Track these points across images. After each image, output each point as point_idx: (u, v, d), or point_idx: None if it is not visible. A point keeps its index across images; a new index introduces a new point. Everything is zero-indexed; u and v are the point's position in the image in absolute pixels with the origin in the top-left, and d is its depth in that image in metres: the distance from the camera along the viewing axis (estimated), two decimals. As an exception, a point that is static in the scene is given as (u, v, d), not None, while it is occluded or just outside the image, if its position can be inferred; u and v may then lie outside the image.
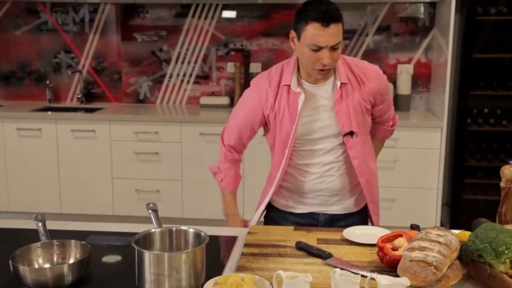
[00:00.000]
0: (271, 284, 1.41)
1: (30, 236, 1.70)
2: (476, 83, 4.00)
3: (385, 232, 1.78)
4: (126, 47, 4.61)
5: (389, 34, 4.37)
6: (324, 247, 1.72)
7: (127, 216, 4.13)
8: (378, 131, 2.20)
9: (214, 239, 1.61)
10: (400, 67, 4.32)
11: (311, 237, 1.81)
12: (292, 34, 1.90)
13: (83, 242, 1.62)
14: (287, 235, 1.84)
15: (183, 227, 1.61)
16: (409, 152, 3.93)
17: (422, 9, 4.31)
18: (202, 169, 4.09)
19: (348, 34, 4.38)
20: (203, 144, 4.04)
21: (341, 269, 1.50)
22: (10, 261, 1.49)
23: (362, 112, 1.99)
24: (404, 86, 4.28)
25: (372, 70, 2.03)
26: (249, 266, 1.60)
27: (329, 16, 1.81)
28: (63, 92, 4.74)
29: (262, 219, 2.21)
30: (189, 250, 1.51)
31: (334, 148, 2.00)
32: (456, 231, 1.64)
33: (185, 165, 4.12)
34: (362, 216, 2.14)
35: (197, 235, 1.58)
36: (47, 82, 4.66)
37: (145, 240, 1.56)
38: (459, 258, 1.51)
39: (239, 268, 1.59)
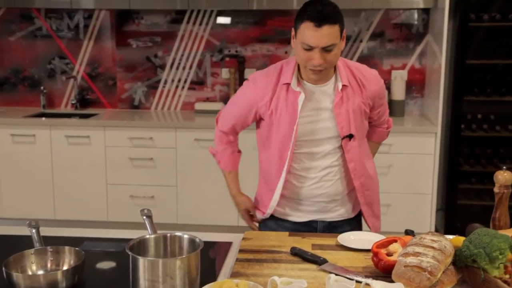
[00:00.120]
0: (266, 290, 1.41)
1: (23, 242, 1.69)
2: (470, 88, 4.02)
3: (380, 237, 1.78)
4: (120, 53, 4.61)
5: (383, 40, 4.39)
6: (319, 252, 1.72)
7: (122, 222, 4.12)
8: (374, 134, 2.21)
9: (208, 245, 1.60)
10: (394, 73, 4.34)
11: (306, 243, 1.81)
12: (292, 32, 1.90)
13: (77, 248, 1.61)
14: (282, 240, 1.84)
15: (178, 233, 1.61)
16: (404, 157, 3.94)
17: (416, 15, 4.33)
18: (197, 174, 4.09)
19: (343, 40, 4.39)
20: (198, 150, 4.04)
21: (336, 274, 1.51)
22: (3, 268, 1.48)
23: (361, 115, 2.00)
24: (398, 91, 4.30)
25: (372, 74, 2.05)
26: (244, 272, 1.60)
27: (323, 17, 1.80)
28: (57, 98, 4.73)
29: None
30: (184, 256, 1.51)
31: (332, 151, 1.99)
32: (451, 237, 1.65)
33: (179, 171, 4.12)
34: (358, 221, 2.14)
35: (192, 241, 1.57)
36: (41, 88, 4.65)
37: (140, 246, 1.55)
38: (454, 263, 1.51)
39: (234, 274, 1.58)
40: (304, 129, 1.96)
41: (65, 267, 1.58)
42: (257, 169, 2.17)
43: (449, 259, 1.48)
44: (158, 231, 1.62)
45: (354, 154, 2.00)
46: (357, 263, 1.66)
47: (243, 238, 1.86)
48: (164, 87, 4.63)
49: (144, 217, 1.64)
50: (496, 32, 3.96)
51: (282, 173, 2.00)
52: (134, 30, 4.56)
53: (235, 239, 1.89)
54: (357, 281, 1.49)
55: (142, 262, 1.44)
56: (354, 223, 2.11)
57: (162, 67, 4.61)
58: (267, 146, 2.05)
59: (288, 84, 1.96)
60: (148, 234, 1.60)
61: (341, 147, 1.99)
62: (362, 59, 4.39)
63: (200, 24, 4.51)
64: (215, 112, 4.40)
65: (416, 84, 4.42)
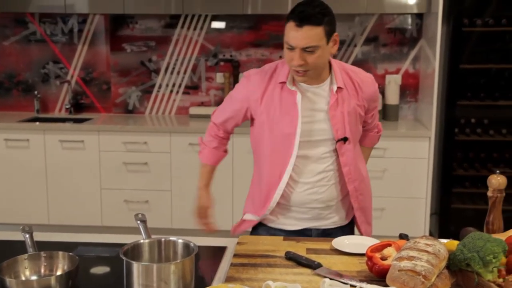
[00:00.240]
0: (261, 294, 1.41)
1: (17, 247, 1.68)
2: (463, 93, 4.04)
3: (374, 241, 1.78)
4: (115, 57, 4.60)
5: (377, 45, 4.41)
6: (314, 257, 1.72)
7: (116, 227, 4.11)
8: (366, 138, 2.21)
9: (203, 249, 1.60)
10: (388, 77, 4.35)
11: (300, 247, 1.81)
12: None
13: (71, 253, 1.61)
14: (277, 245, 1.84)
15: (172, 238, 1.60)
16: (398, 161, 3.95)
17: (409, 20, 4.35)
18: (191, 179, 4.07)
19: (337, 45, 4.41)
20: (192, 154, 4.03)
21: (331, 279, 1.51)
22: (-4, 273, 1.47)
23: (356, 119, 1.99)
24: (393, 96, 4.31)
25: (368, 77, 2.06)
26: (239, 277, 1.59)
27: (304, 17, 1.79)
28: (51, 102, 4.72)
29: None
30: (178, 261, 1.51)
31: (327, 154, 1.97)
32: (445, 240, 1.65)
33: (174, 175, 4.11)
34: (351, 228, 2.13)
35: (186, 245, 1.57)
36: (35, 92, 4.64)
37: (134, 251, 1.55)
38: (448, 267, 1.52)
39: (229, 279, 1.58)
40: (302, 129, 1.94)
41: (58, 273, 1.57)
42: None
43: (443, 263, 1.49)
44: (153, 236, 1.61)
45: (349, 158, 1.99)
46: (352, 267, 1.66)
47: (238, 243, 1.86)
48: (158, 91, 4.63)
49: (139, 221, 1.64)
50: (489, 36, 3.98)
51: (285, 174, 1.96)
52: (129, 34, 4.56)
53: (230, 243, 1.88)
54: (352, 285, 1.48)
55: (136, 267, 1.43)
56: (347, 230, 2.09)
57: (157, 71, 4.61)
58: (262, 146, 2.02)
59: (284, 83, 1.95)
60: (143, 239, 1.59)
61: (335, 150, 1.98)
62: (357, 64, 4.39)
63: (195, 28, 4.51)
64: (209, 116, 4.34)
65: (410, 88, 4.43)
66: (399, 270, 1.44)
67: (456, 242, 1.58)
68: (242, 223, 2.16)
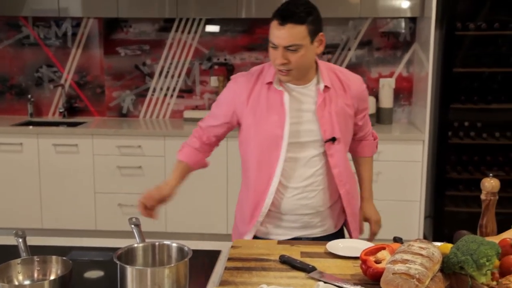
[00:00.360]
0: (255, 298, 1.41)
1: (10, 252, 1.67)
2: (457, 96, 4.05)
3: (368, 245, 1.79)
4: (109, 61, 4.60)
5: (371, 49, 4.43)
6: (308, 260, 1.72)
7: (110, 231, 4.09)
8: (365, 147, 2.18)
9: (197, 253, 1.60)
10: (382, 80, 4.37)
11: (294, 251, 1.81)
12: None
13: (64, 258, 1.60)
14: (271, 248, 1.84)
15: (166, 242, 1.60)
16: (392, 165, 3.95)
17: (403, 24, 4.37)
18: (185, 183, 4.07)
19: (331, 49, 4.43)
20: (186, 158, 4.02)
21: (325, 282, 1.51)
22: (-11, 278, 1.46)
23: (345, 118, 1.96)
24: (386, 99, 4.33)
25: (355, 76, 2.04)
26: (233, 280, 1.59)
27: (286, 15, 1.78)
28: (45, 106, 4.71)
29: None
30: (172, 265, 1.50)
31: (316, 157, 1.94)
32: (438, 244, 1.65)
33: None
34: (341, 236, 2.10)
35: (180, 249, 1.56)
36: (29, 96, 4.62)
37: (128, 255, 1.54)
38: (441, 270, 1.52)
39: (223, 283, 1.58)
40: (290, 130, 1.91)
41: (52, 277, 1.56)
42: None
43: (437, 266, 1.49)
44: (147, 240, 1.61)
45: (339, 159, 1.95)
46: (346, 271, 1.66)
47: (232, 246, 1.86)
48: (152, 95, 4.63)
49: (133, 225, 1.63)
50: (482, 40, 4.00)
51: (274, 178, 1.93)
52: (123, 38, 4.55)
53: (224, 247, 1.88)
54: (346, 289, 1.49)
55: (130, 271, 1.43)
56: (338, 238, 2.07)
57: (151, 75, 4.60)
58: (249, 150, 1.98)
59: (270, 83, 1.92)
60: (136, 243, 1.59)
61: (324, 154, 1.94)
62: (350, 67, 4.40)
63: (189, 32, 4.51)
64: (204, 120, 4.40)
65: (404, 92, 4.45)
66: (393, 273, 1.44)
67: (449, 245, 1.59)
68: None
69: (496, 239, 1.58)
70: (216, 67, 4.55)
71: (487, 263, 1.43)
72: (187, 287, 1.49)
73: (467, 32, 3.98)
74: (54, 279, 1.50)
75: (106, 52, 4.58)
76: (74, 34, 4.59)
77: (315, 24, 1.83)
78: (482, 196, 1.79)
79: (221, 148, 3.88)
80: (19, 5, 4.25)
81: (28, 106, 4.63)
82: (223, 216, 4.04)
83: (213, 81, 4.54)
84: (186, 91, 4.61)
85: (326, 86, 1.92)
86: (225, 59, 4.53)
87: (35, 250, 1.63)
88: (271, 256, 1.76)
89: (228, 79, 4.45)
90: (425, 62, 3.98)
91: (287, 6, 1.81)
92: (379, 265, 1.55)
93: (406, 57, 4.41)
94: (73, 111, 4.68)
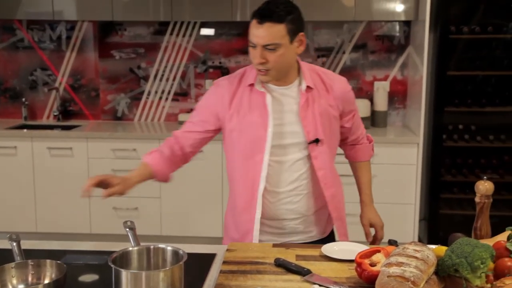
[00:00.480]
0: (250, 301, 1.40)
1: (4, 256, 1.67)
2: (451, 99, 4.07)
3: (363, 247, 1.79)
4: (103, 64, 4.59)
5: (365, 52, 4.44)
6: (303, 263, 1.72)
7: (105, 234, 4.08)
8: (359, 151, 2.15)
9: (192, 256, 1.60)
10: (376, 84, 4.38)
11: (289, 254, 1.81)
12: None
13: (58, 261, 1.59)
14: (266, 252, 1.84)
15: (161, 245, 1.59)
16: (386, 168, 3.96)
17: (397, 27, 4.39)
18: (180, 186, 4.07)
19: (325, 52, 4.44)
20: (181, 161, 4.02)
21: (320, 285, 1.51)
22: (-17, 282, 1.46)
23: (329, 120, 1.93)
24: (381, 102, 4.34)
25: (339, 77, 2.02)
26: (228, 284, 1.59)
27: (265, 14, 1.77)
28: (39, 109, 4.69)
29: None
30: (167, 268, 1.50)
31: (300, 160, 1.91)
32: (433, 246, 1.66)
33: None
34: (331, 241, 2.08)
35: (175, 253, 1.56)
36: (23, 99, 4.61)
37: (123, 259, 1.54)
38: (436, 273, 1.52)
39: (218, 286, 1.58)
40: (273, 131, 1.89)
41: (46, 281, 1.56)
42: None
43: (432, 269, 1.49)
44: (142, 243, 1.61)
45: (324, 162, 1.92)
46: (341, 274, 1.66)
47: (227, 250, 1.86)
48: (147, 98, 4.62)
49: (127, 229, 1.63)
50: (475, 44, 4.02)
51: (260, 183, 1.90)
52: (117, 41, 4.55)
53: (219, 250, 1.88)
54: (341, 292, 1.49)
55: (125, 274, 1.42)
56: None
57: (146, 78, 4.60)
58: (233, 156, 1.95)
59: (252, 85, 1.90)
60: (131, 246, 1.58)
61: (309, 157, 1.92)
62: (345, 71, 4.43)
63: (184, 35, 4.52)
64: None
65: (398, 95, 4.46)
66: (388, 276, 1.44)
67: (444, 248, 1.59)
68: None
69: (490, 242, 1.59)
70: (211, 70, 4.55)
71: (481, 266, 1.43)
72: (182, 290, 1.48)
73: (461, 35, 4.00)
74: (49, 283, 1.49)
75: (101, 55, 4.58)
76: (68, 37, 4.58)
77: (295, 23, 1.81)
78: (477, 199, 1.79)
79: (216, 152, 3.90)
80: (13, 8, 4.24)
81: (22, 110, 4.61)
82: (218, 220, 4.04)
83: (208, 84, 4.54)
84: (181, 94, 4.61)
85: (308, 87, 1.90)
86: (220, 62, 4.53)
87: (29, 254, 1.62)
88: (266, 259, 1.76)
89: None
90: (419, 65, 3.99)
91: (267, 5, 1.80)
92: (374, 268, 1.55)
93: (401, 61, 4.42)
94: (68, 115, 4.67)
